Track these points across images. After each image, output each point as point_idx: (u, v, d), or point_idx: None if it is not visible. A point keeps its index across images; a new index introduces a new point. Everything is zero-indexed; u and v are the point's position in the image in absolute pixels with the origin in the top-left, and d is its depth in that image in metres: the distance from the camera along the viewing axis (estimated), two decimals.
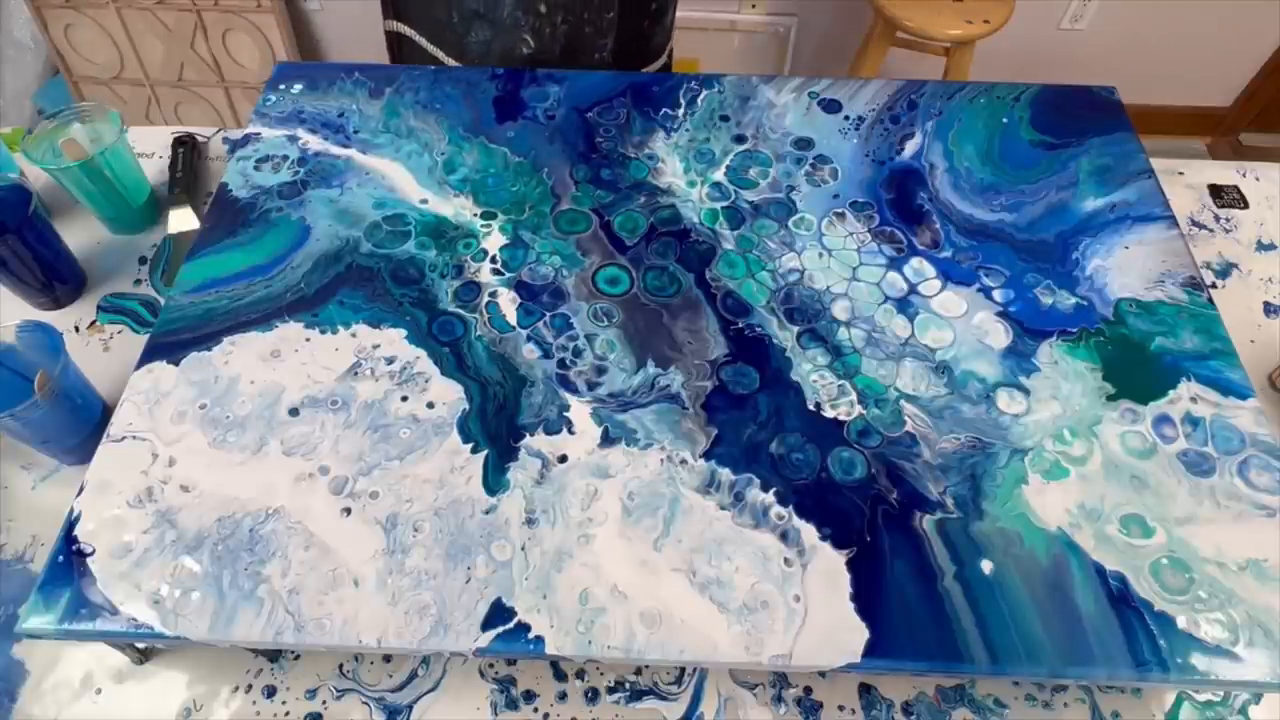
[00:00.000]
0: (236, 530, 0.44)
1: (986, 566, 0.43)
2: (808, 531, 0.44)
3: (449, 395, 0.50)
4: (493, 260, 0.56)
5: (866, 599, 0.42)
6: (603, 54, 0.78)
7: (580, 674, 0.48)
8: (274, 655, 0.49)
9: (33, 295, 0.62)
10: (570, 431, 0.48)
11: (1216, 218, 0.70)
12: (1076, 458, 0.47)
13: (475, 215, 0.59)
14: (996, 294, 0.54)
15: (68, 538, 0.44)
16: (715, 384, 0.50)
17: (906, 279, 0.55)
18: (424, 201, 0.59)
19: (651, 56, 0.84)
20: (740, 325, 0.53)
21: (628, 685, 0.48)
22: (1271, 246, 0.68)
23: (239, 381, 0.50)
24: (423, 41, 0.80)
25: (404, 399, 0.49)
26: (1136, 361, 0.51)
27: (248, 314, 0.53)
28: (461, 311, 0.53)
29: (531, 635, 0.41)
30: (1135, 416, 0.49)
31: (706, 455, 0.47)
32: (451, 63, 0.79)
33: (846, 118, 0.65)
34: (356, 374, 0.50)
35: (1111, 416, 0.49)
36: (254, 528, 0.44)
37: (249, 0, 1.62)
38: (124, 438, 0.48)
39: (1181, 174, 0.73)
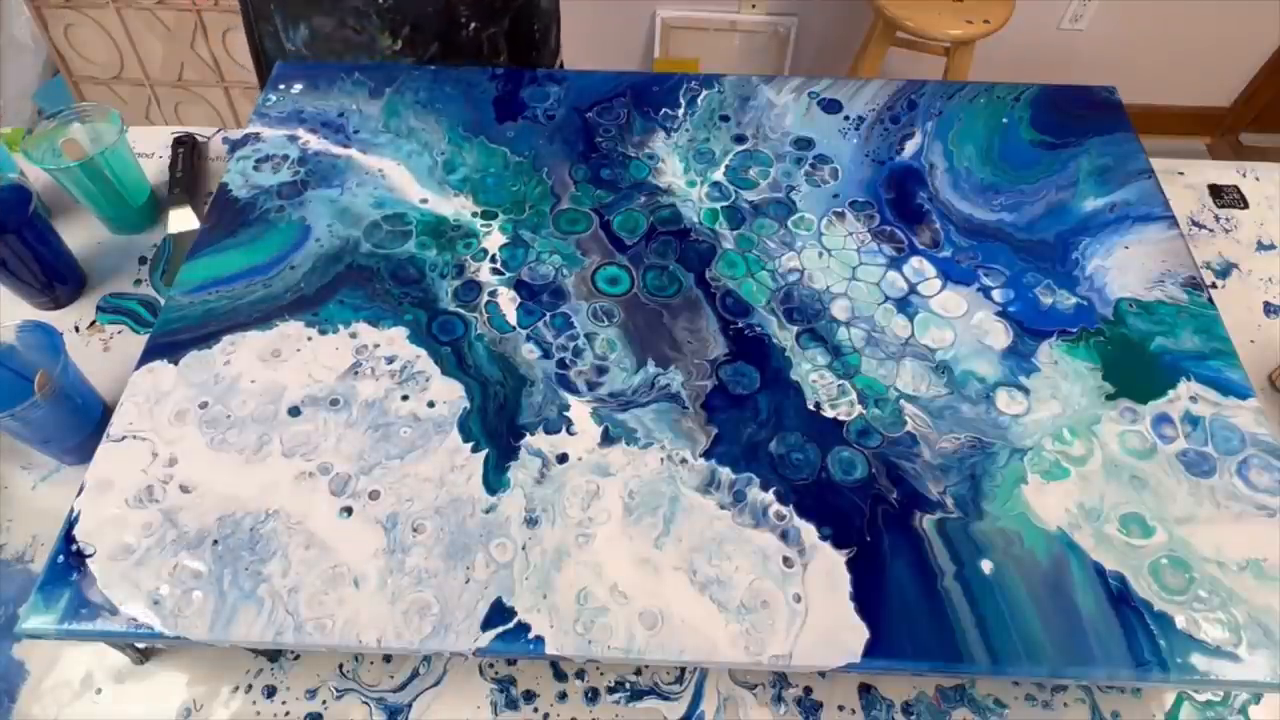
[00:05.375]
0: (237, 530, 0.44)
1: (986, 566, 0.43)
2: (808, 531, 0.44)
3: (449, 394, 0.50)
4: (493, 260, 0.56)
5: (866, 599, 0.42)
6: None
7: (580, 674, 0.48)
8: (274, 655, 0.49)
9: (33, 295, 0.62)
10: (570, 431, 0.48)
11: (1216, 218, 0.70)
12: (1076, 457, 0.47)
13: (475, 215, 0.59)
14: (996, 294, 0.54)
15: (68, 538, 0.44)
16: (715, 383, 0.50)
17: (906, 279, 0.55)
18: (424, 201, 0.59)
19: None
20: (740, 325, 0.53)
21: (628, 685, 0.48)
22: (1271, 246, 0.68)
23: (239, 381, 0.50)
24: None
25: (404, 398, 0.49)
26: (1136, 361, 0.51)
27: (248, 314, 0.53)
28: (462, 311, 0.53)
29: (531, 635, 0.41)
30: (1135, 416, 0.49)
31: (706, 455, 0.47)
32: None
33: (846, 118, 0.65)
34: (357, 373, 0.50)
35: (1111, 416, 0.49)
36: (254, 527, 0.44)
37: None
38: (124, 437, 0.48)
39: (1181, 174, 0.73)
